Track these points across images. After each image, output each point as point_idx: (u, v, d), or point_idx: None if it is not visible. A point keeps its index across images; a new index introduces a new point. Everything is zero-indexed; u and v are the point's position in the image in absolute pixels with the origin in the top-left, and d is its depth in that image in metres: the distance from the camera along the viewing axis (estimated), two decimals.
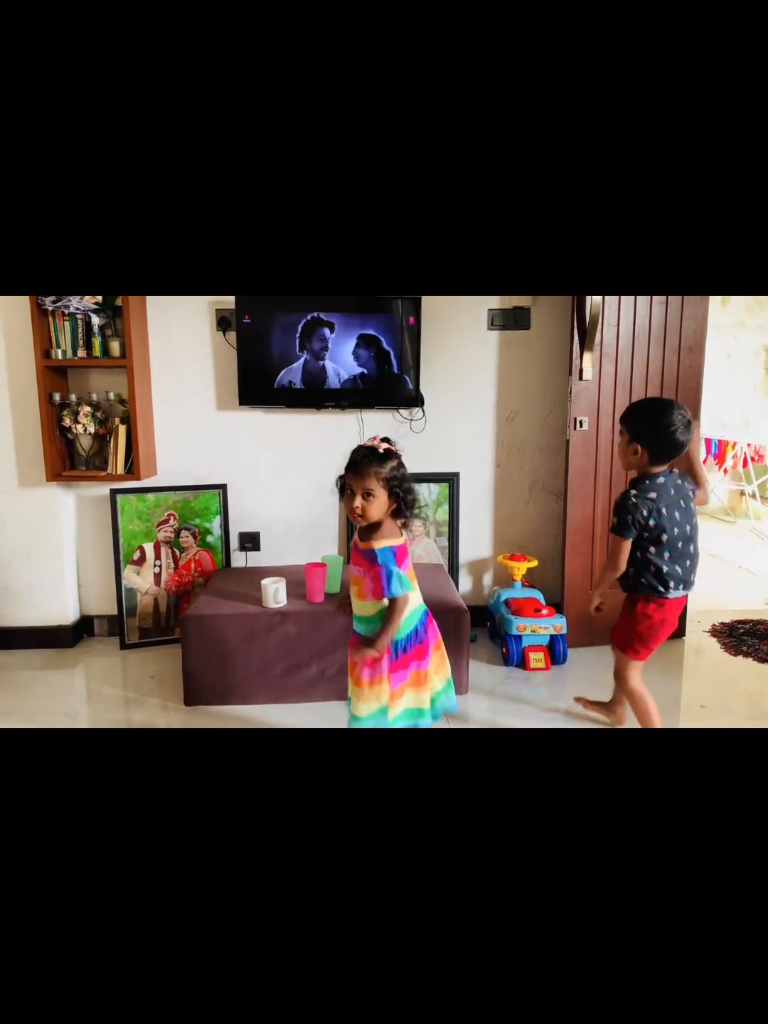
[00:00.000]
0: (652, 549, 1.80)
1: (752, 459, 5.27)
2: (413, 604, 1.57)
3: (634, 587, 1.86)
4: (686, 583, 1.86)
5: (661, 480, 1.80)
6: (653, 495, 1.78)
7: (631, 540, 1.80)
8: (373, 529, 1.58)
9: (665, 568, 1.81)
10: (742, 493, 5.42)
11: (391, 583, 1.51)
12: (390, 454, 1.58)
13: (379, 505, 1.54)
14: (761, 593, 3.51)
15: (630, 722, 2.11)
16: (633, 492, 1.79)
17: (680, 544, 1.81)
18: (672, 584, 1.82)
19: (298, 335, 2.68)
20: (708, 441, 5.44)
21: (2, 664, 2.68)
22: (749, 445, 5.28)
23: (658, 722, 1.92)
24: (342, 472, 1.60)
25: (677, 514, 1.80)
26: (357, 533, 1.65)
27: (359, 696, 1.59)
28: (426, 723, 1.63)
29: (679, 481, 1.84)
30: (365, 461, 1.54)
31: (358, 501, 1.53)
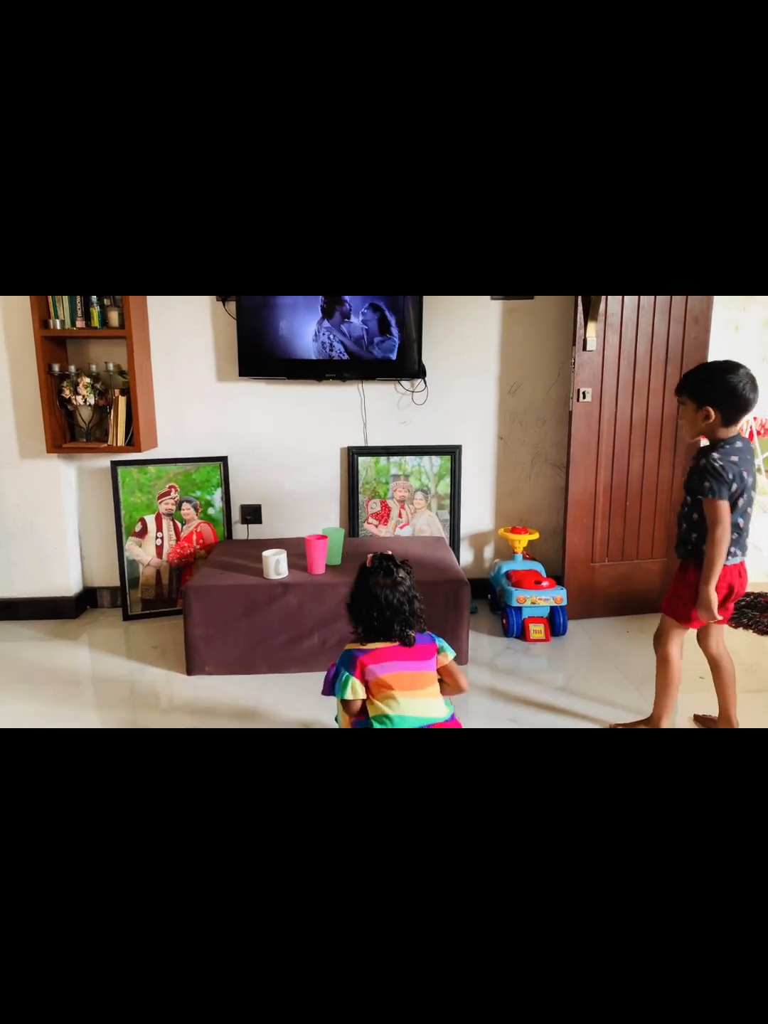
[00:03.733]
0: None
1: (758, 433, 5.23)
2: (382, 715, 1.53)
3: (695, 553, 1.78)
4: (745, 548, 1.80)
5: (739, 444, 1.73)
6: (735, 458, 1.70)
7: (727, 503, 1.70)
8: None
9: (734, 535, 1.74)
10: None
11: (329, 682, 1.61)
12: (354, 586, 1.64)
13: None
14: (765, 567, 3.50)
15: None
16: (715, 455, 1.69)
17: (748, 509, 1.76)
18: (737, 550, 1.77)
19: (309, 306, 2.65)
20: None
21: (6, 634, 2.71)
22: (756, 419, 5.23)
23: (674, 691, 1.89)
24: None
25: (750, 479, 1.74)
26: None
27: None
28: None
29: (748, 443, 1.78)
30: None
31: None
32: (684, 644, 1.91)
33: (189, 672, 2.36)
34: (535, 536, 2.83)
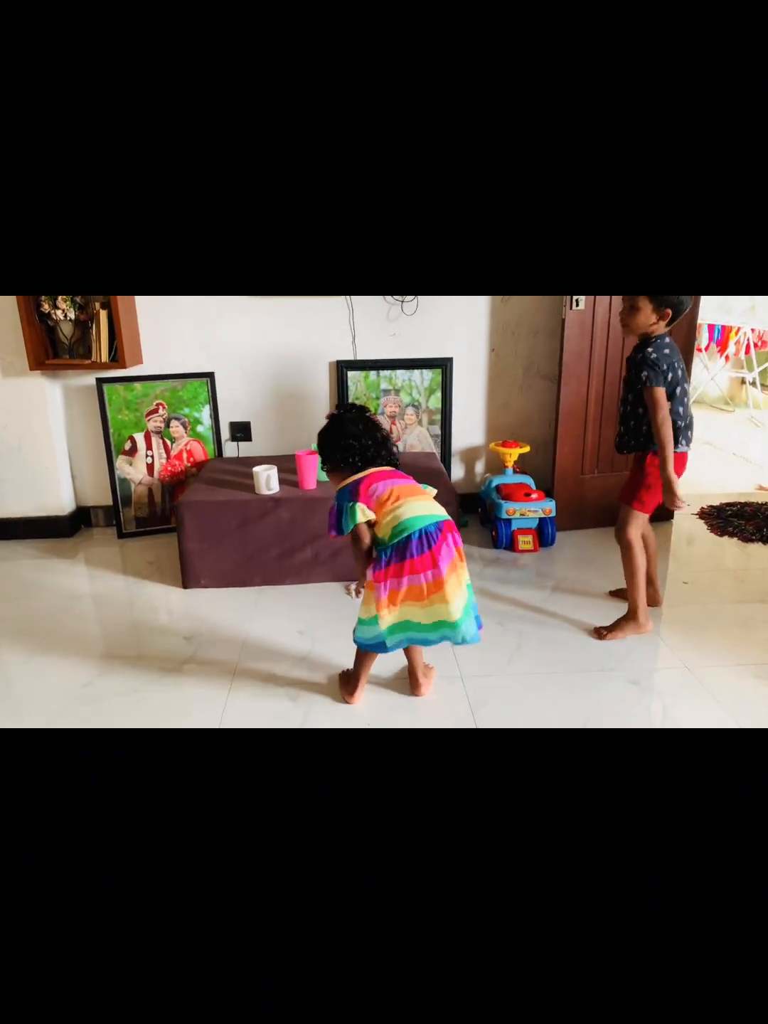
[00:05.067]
0: (668, 404, 1.87)
1: (755, 345, 5.15)
2: (395, 519, 1.56)
3: (647, 443, 1.91)
4: (689, 439, 1.95)
5: (668, 340, 1.89)
6: (667, 351, 1.86)
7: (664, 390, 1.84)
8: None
9: (680, 423, 1.90)
10: (743, 381, 5.34)
11: (337, 519, 1.61)
12: (324, 431, 1.69)
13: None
14: (753, 479, 3.53)
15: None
16: (650, 350, 1.85)
17: (685, 400, 1.92)
18: (681, 440, 1.91)
19: None
20: (710, 327, 5.29)
21: (3, 554, 2.75)
22: (753, 330, 5.14)
23: (642, 575, 2.00)
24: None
25: (681, 371, 1.89)
26: None
27: (361, 608, 1.66)
28: (430, 641, 1.65)
29: (674, 342, 1.93)
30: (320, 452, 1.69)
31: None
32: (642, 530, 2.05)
33: (185, 586, 2.41)
34: (526, 449, 2.83)
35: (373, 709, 1.74)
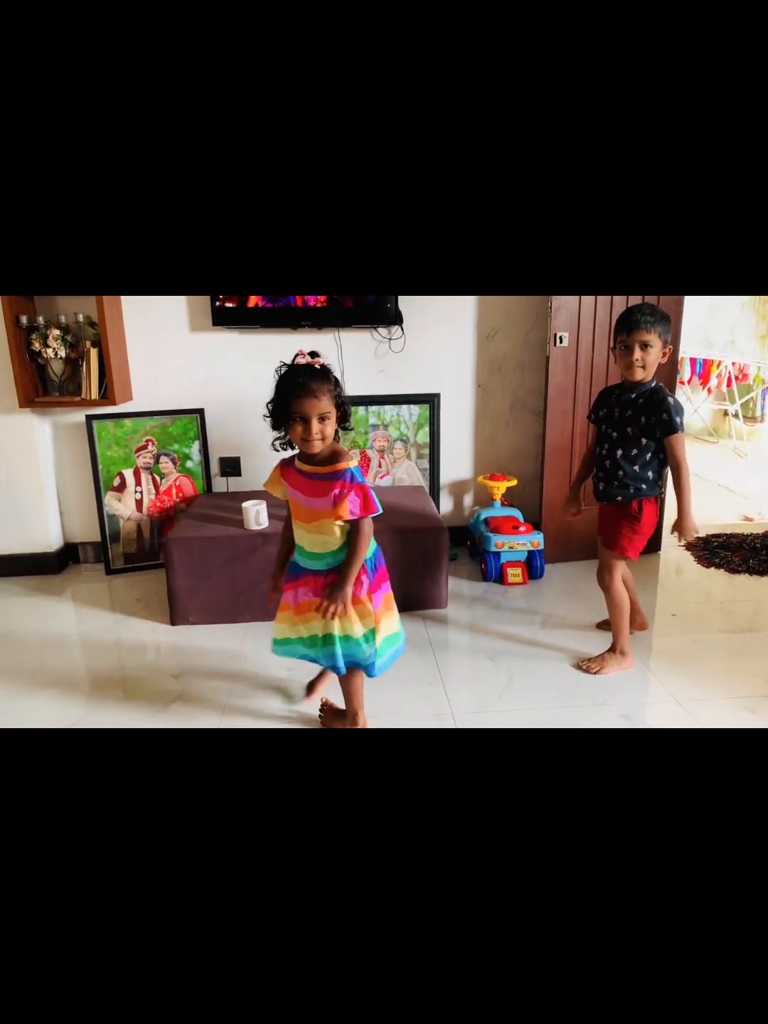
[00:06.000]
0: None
1: (736, 378, 5.26)
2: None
3: (652, 490, 1.89)
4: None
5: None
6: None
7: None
8: (330, 450, 1.53)
9: (666, 468, 1.90)
10: (725, 413, 5.43)
11: (375, 499, 1.48)
12: (327, 369, 1.49)
13: (332, 425, 1.48)
14: (738, 510, 3.57)
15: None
16: (666, 390, 1.83)
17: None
18: (662, 485, 1.93)
19: None
20: (692, 361, 5.41)
21: None
22: (734, 364, 5.25)
23: (626, 613, 2.02)
24: (276, 401, 1.49)
25: None
26: (302, 460, 1.55)
27: (347, 625, 1.56)
28: (401, 649, 1.65)
29: None
30: (318, 383, 1.44)
31: (316, 426, 1.44)
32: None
33: (173, 622, 2.39)
34: (513, 483, 2.86)
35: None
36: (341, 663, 1.59)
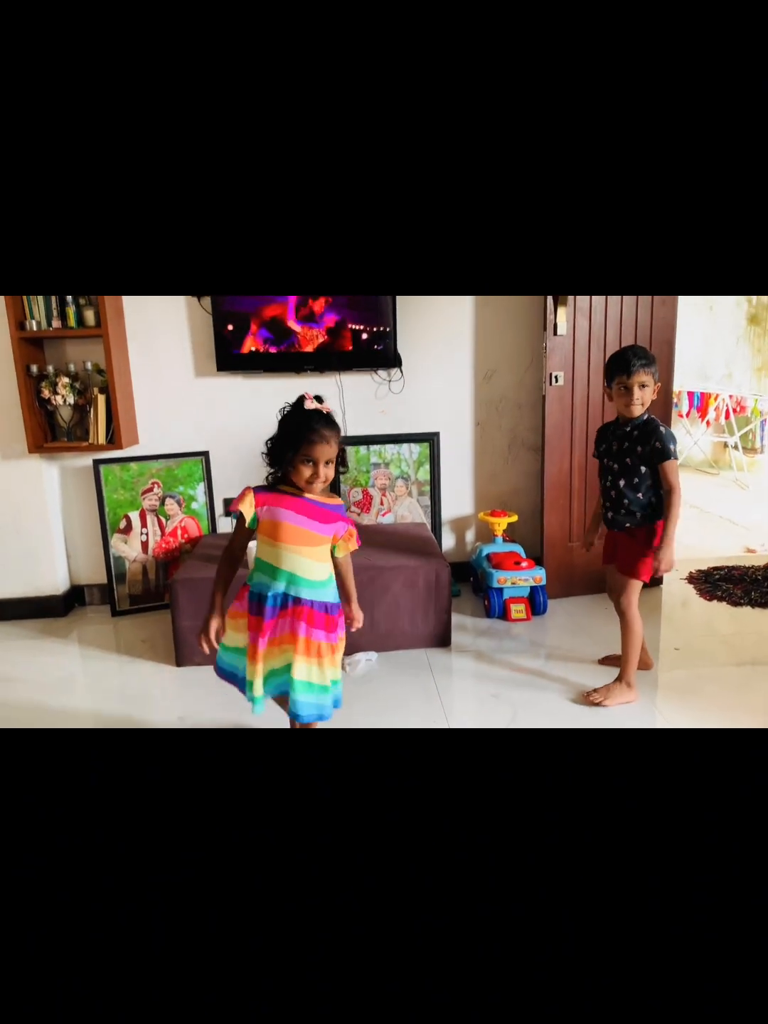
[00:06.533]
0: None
1: (734, 411, 5.31)
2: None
3: (656, 516, 1.95)
4: None
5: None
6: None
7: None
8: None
9: (653, 498, 1.96)
10: (725, 445, 5.48)
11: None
12: (332, 416, 1.55)
13: (332, 468, 1.55)
14: (740, 542, 3.58)
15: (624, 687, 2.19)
16: (658, 421, 1.94)
17: None
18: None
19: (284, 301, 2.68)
20: (690, 394, 5.47)
21: None
22: (731, 397, 5.32)
23: (639, 645, 2.04)
24: (281, 441, 1.53)
25: None
26: (308, 493, 1.58)
27: (327, 663, 1.55)
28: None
29: None
30: (330, 430, 1.51)
31: (324, 470, 1.51)
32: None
33: (178, 663, 2.40)
34: (514, 519, 2.89)
35: None
36: (306, 712, 1.54)
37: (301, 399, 1.55)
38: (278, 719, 1.97)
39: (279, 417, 1.56)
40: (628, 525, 2.00)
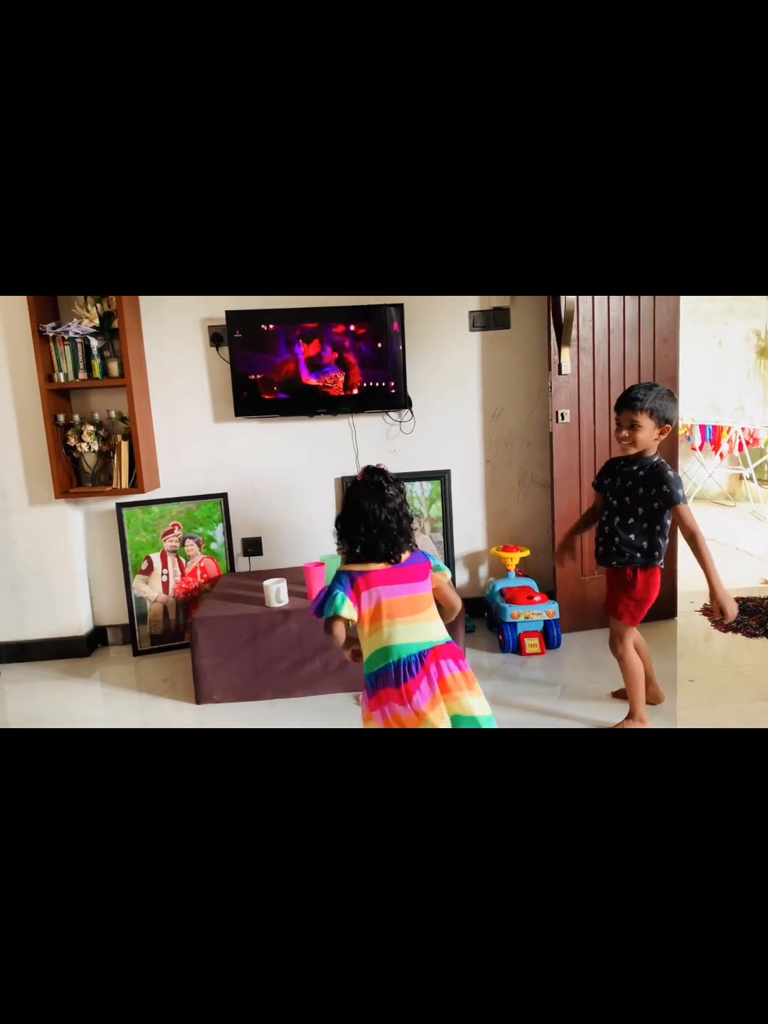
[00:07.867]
0: (667, 521, 1.91)
1: (747, 443, 5.33)
2: (377, 642, 1.48)
3: (648, 559, 1.93)
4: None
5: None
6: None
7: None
8: None
9: (666, 540, 1.95)
10: (740, 477, 5.48)
11: (324, 602, 1.49)
12: (343, 502, 1.58)
13: None
14: (757, 573, 3.57)
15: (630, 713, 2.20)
16: (665, 464, 1.90)
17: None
18: (660, 555, 1.96)
19: (289, 341, 2.80)
20: (703, 427, 5.51)
21: (22, 675, 2.81)
22: (743, 429, 5.34)
23: (642, 681, 2.05)
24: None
25: None
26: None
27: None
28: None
29: None
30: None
31: None
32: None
33: (198, 701, 2.45)
34: (526, 553, 2.93)
35: None
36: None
37: (370, 474, 1.54)
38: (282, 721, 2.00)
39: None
40: (614, 563, 1.98)
